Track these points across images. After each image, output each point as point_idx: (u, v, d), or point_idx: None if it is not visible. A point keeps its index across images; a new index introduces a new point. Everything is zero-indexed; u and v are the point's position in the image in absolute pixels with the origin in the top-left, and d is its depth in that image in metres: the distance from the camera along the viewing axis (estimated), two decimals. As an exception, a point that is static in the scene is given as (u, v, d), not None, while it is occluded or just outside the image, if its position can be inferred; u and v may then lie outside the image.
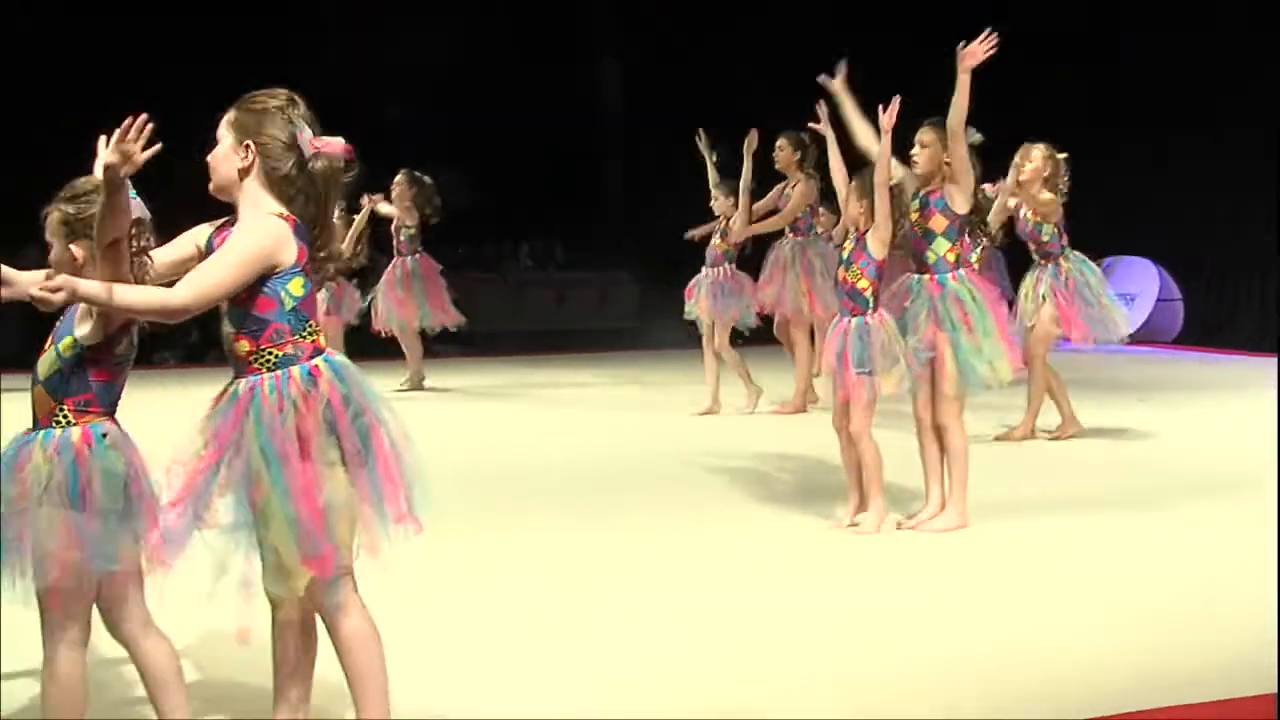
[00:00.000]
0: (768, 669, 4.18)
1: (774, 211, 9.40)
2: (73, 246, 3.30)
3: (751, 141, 8.78)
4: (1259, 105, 12.26)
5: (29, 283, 3.24)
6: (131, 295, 3.16)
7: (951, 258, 5.81)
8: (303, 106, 3.32)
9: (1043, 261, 8.01)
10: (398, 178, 10.71)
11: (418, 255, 10.82)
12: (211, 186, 3.34)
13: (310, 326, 3.25)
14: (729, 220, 9.20)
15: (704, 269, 9.38)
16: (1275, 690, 3.76)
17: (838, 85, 6.04)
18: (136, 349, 3.39)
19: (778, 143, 9.25)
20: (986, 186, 10.10)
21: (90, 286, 3.12)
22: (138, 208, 3.27)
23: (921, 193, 5.82)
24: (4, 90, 12.96)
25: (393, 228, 10.88)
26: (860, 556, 5.56)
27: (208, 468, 3.20)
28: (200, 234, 3.41)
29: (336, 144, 3.32)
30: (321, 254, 3.32)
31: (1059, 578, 5.21)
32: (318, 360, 3.23)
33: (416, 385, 10.88)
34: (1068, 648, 4.32)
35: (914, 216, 5.76)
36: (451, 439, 8.31)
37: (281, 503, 3.14)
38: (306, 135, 3.29)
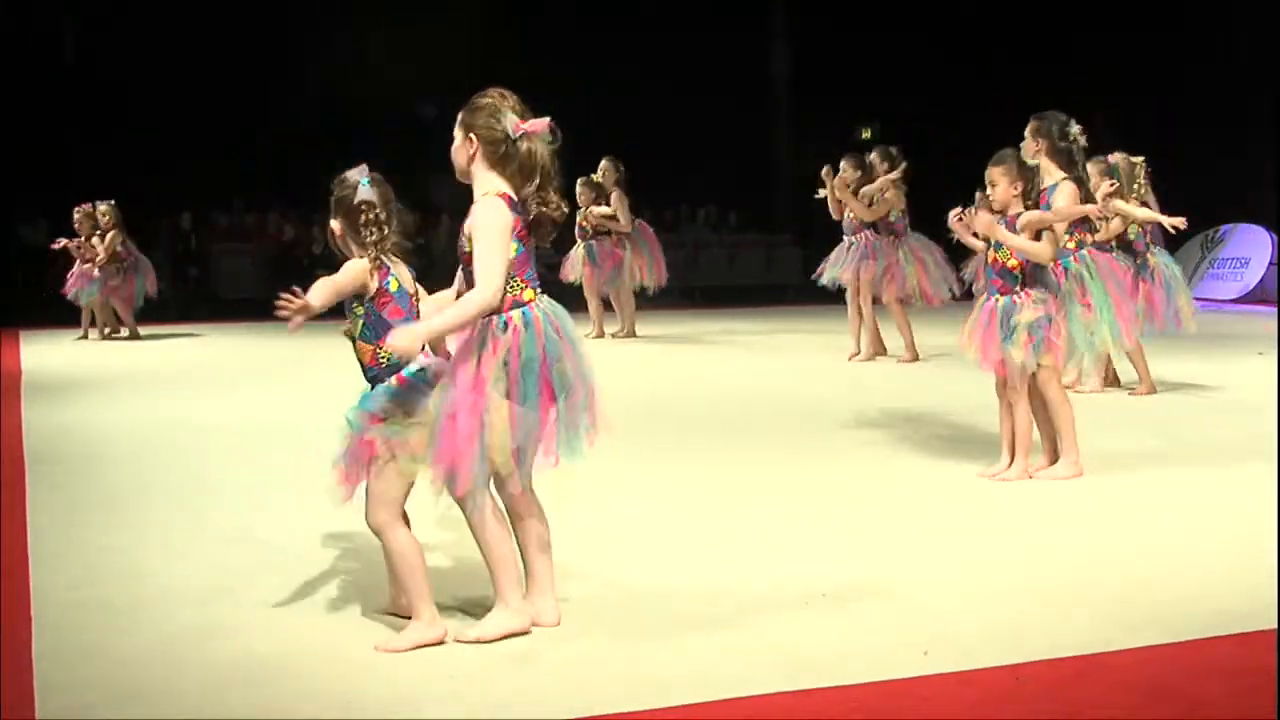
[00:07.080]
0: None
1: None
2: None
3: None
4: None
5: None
6: (458, 315, 3.72)
7: (1072, 245, 6.38)
8: (512, 99, 3.87)
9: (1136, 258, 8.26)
10: (603, 164, 12.24)
11: (636, 222, 12.44)
12: (456, 173, 3.95)
13: (515, 283, 3.78)
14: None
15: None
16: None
17: None
18: None
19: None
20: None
21: (431, 327, 3.72)
22: (364, 191, 3.91)
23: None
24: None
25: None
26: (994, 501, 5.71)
27: None
28: None
29: (540, 123, 3.86)
30: (544, 209, 3.85)
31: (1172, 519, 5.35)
32: (514, 312, 3.76)
33: (630, 333, 12.63)
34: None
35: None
36: (637, 378, 9.37)
37: (435, 415, 3.77)
38: (512, 120, 3.82)
